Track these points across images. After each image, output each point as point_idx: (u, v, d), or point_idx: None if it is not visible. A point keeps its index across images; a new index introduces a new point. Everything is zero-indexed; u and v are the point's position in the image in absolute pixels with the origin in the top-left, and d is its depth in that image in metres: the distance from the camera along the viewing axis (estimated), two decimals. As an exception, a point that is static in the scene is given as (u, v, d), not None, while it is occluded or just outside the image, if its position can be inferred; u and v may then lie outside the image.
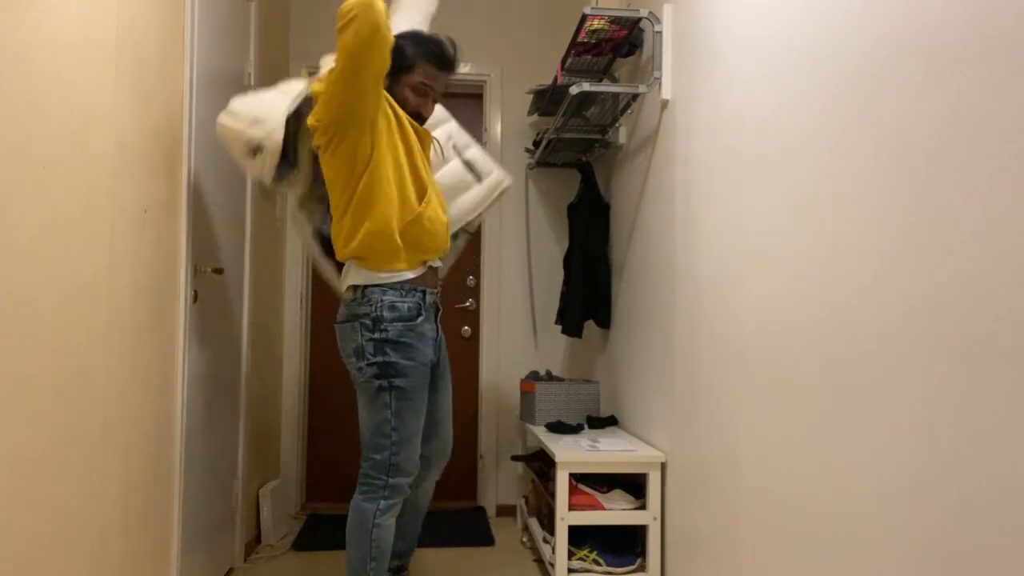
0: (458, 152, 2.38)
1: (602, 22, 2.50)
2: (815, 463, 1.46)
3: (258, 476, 3.11)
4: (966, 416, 1.06)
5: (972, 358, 1.05)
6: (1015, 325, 0.98)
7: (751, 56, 1.78)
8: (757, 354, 1.72)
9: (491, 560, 2.95)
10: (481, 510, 3.62)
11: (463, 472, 3.74)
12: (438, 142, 2.34)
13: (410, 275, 2.02)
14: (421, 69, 2.04)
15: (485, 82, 3.72)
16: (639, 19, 2.49)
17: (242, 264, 2.82)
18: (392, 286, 1.98)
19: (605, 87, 2.54)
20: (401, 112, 2.02)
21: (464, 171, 2.34)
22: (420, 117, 2.08)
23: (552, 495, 2.57)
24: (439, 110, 2.39)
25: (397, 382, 1.97)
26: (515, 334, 3.70)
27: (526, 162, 3.72)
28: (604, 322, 3.18)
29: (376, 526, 1.97)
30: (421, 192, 2.02)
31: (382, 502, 1.99)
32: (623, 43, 2.69)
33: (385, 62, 1.79)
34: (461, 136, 2.42)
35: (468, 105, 3.79)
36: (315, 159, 2.09)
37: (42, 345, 1.44)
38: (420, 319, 2.01)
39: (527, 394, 3.21)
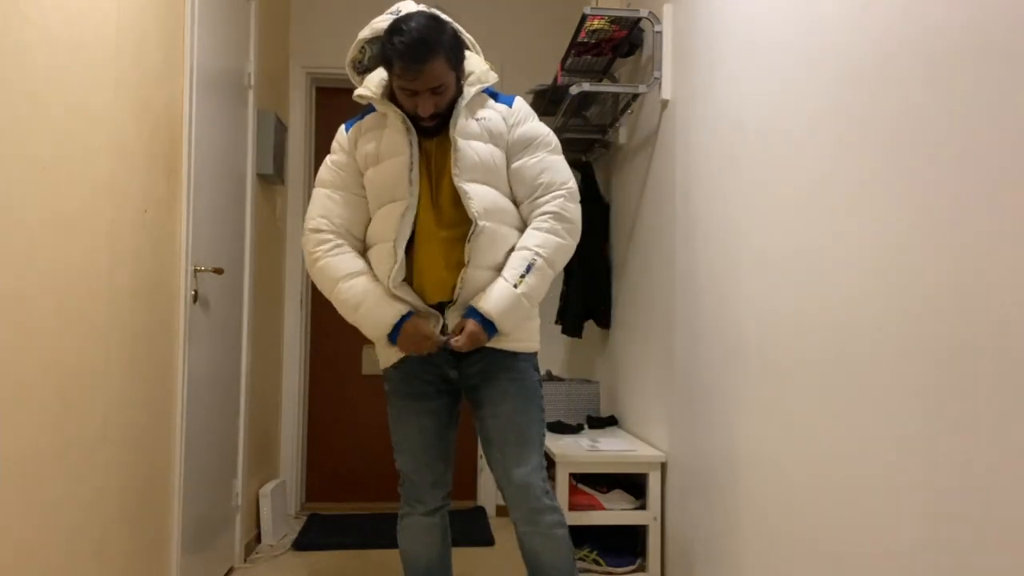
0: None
1: (602, 22, 2.50)
2: (815, 463, 1.46)
3: (258, 476, 3.11)
4: (967, 415, 1.06)
5: (973, 357, 1.05)
6: (1014, 323, 0.98)
7: (751, 56, 1.78)
8: (757, 354, 1.72)
9: (491, 560, 2.95)
10: (481, 510, 3.61)
11: (463, 472, 3.74)
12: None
13: None
14: (393, 74, 1.67)
15: (485, 82, 3.72)
16: (639, 19, 2.49)
17: (242, 264, 2.82)
18: None
19: (605, 87, 2.54)
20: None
21: None
22: (420, 120, 1.71)
23: (552, 495, 2.57)
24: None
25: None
26: (515, 334, 3.69)
27: (526, 162, 3.71)
28: (604, 322, 3.18)
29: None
30: None
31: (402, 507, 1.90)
32: (623, 43, 2.69)
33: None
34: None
35: (468, 105, 3.79)
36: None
37: (42, 345, 1.44)
38: None
39: (527, 394, 3.21)
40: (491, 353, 1.76)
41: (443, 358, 1.78)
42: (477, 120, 1.75)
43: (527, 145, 1.78)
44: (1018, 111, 0.98)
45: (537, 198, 1.77)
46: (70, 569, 1.56)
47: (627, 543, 2.51)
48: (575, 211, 1.77)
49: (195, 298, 2.27)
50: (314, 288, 3.72)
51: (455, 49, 1.69)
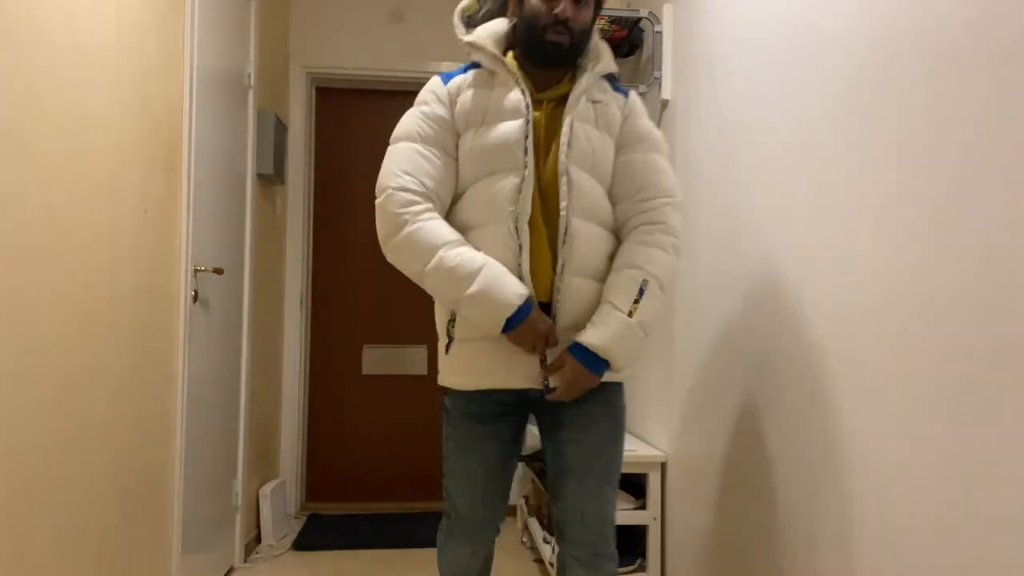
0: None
1: (602, 22, 2.50)
2: (815, 462, 1.46)
3: (258, 476, 3.11)
4: (966, 415, 1.06)
5: (976, 355, 1.05)
6: (1016, 324, 0.98)
7: (751, 56, 1.78)
8: (757, 353, 1.72)
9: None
10: (481, 510, 3.61)
11: (463, 472, 3.73)
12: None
13: None
14: None
15: (485, 82, 3.71)
16: (639, 19, 2.49)
17: (242, 264, 2.82)
18: None
19: (605, 87, 2.54)
20: None
21: None
22: (551, 30, 1.48)
23: (552, 495, 2.57)
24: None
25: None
26: (515, 334, 3.68)
27: (526, 162, 3.71)
28: (604, 322, 3.17)
29: (439, 554, 1.70)
30: None
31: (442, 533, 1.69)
32: (623, 43, 2.69)
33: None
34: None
35: (468, 105, 3.78)
36: None
37: (42, 345, 1.44)
38: None
39: (527, 394, 3.20)
40: None
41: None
42: (594, 103, 1.52)
43: (640, 141, 1.56)
44: (1019, 110, 0.98)
45: (641, 201, 1.52)
46: (70, 570, 1.56)
47: (627, 543, 2.51)
48: (680, 224, 1.54)
49: (195, 298, 2.27)
50: (314, 288, 3.72)
51: None
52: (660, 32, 2.42)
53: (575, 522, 1.50)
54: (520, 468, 3.65)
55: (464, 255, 1.41)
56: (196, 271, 2.28)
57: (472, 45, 1.53)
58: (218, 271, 2.37)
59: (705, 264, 2.06)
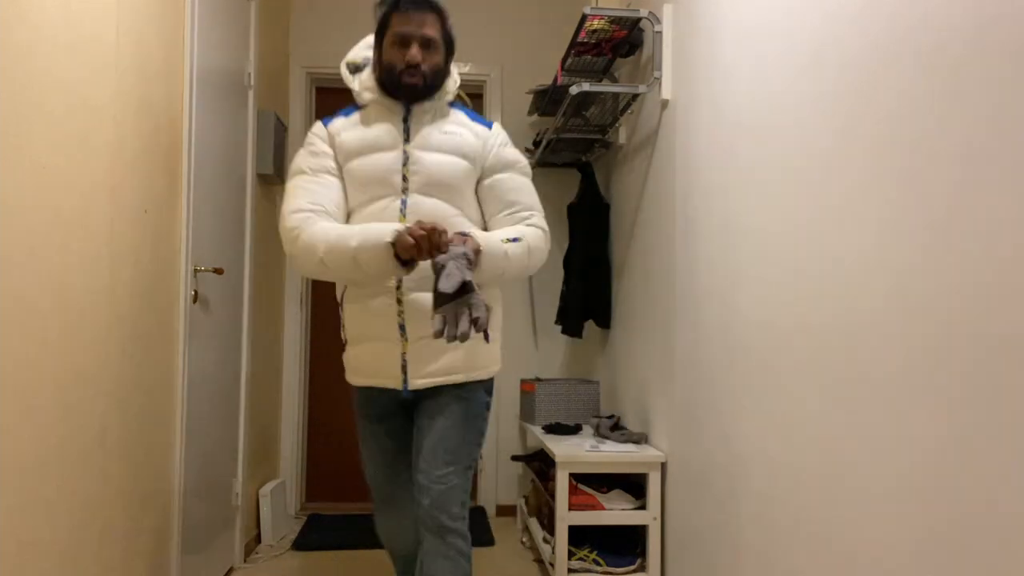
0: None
1: (602, 22, 2.50)
2: (815, 463, 1.46)
3: (258, 476, 3.11)
4: (969, 416, 1.06)
5: (973, 357, 1.05)
6: (1015, 324, 0.98)
7: (751, 56, 1.78)
8: (757, 354, 1.72)
9: (491, 560, 2.94)
10: (481, 510, 3.61)
11: (463, 472, 3.74)
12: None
13: None
14: (390, 22, 1.71)
15: (485, 82, 3.72)
16: (639, 19, 2.49)
17: (242, 264, 2.82)
18: None
19: (605, 87, 2.54)
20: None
21: None
22: (405, 74, 1.69)
23: (552, 495, 2.57)
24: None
25: None
26: (515, 334, 3.70)
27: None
28: (604, 322, 3.18)
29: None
30: None
31: None
32: (623, 43, 2.69)
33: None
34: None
35: (468, 105, 3.79)
36: None
37: (42, 345, 1.44)
38: None
39: (527, 394, 3.21)
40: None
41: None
42: (445, 133, 1.74)
43: (506, 166, 1.80)
44: (1019, 108, 0.98)
45: (515, 213, 1.77)
46: (71, 569, 1.56)
47: (627, 543, 2.51)
48: (546, 229, 1.81)
49: (195, 298, 2.27)
50: (314, 288, 3.72)
51: (450, 33, 1.76)
52: (660, 32, 2.42)
53: (422, 495, 1.69)
54: (520, 468, 3.66)
55: (341, 229, 1.61)
56: (196, 271, 2.28)
57: (357, 94, 1.78)
58: (218, 271, 2.37)
59: (704, 264, 2.06)
